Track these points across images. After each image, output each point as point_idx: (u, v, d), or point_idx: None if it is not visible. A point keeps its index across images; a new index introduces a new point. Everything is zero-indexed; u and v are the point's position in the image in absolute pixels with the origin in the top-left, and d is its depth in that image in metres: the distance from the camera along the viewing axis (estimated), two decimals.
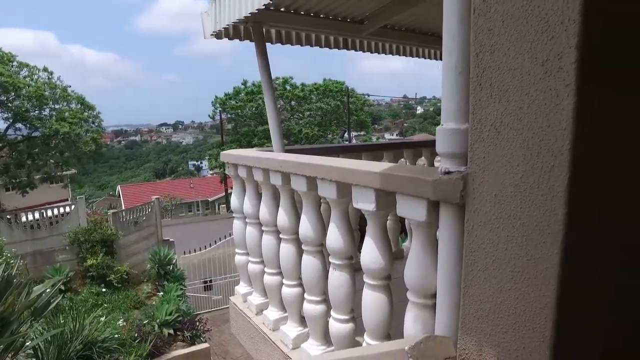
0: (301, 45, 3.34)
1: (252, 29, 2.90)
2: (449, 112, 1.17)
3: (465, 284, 1.18)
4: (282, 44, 3.20)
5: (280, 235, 2.20)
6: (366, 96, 31.10)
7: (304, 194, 1.93)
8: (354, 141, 26.93)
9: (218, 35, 2.92)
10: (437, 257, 1.27)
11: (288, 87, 25.52)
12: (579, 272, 1.00)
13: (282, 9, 2.96)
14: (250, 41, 2.98)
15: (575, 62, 0.89)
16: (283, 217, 2.14)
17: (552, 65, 0.93)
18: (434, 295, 1.32)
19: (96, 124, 15.27)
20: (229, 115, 26.39)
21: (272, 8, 2.84)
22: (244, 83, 25.36)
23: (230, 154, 2.69)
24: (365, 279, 1.62)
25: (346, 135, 28.44)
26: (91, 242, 9.08)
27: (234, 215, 2.76)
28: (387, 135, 51.07)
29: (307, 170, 1.82)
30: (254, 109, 24.83)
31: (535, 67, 0.96)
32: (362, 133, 30.69)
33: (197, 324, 7.11)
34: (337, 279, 1.79)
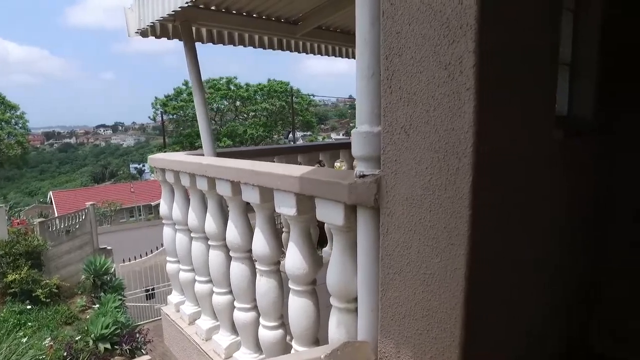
0: (234, 45, 3.25)
1: (181, 27, 2.77)
2: (363, 115, 1.16)
3: (382, 288, 1.18)
4: (214, 43, 3.10)
5: (209, 242, 2.12)
6: (311, 96, 31.25)
7: (230, 199, 1.86)
8: (300, 141, 26.94)
9: (143, 33, 2.77)
10: (357, 261, 1.26)
11: (232, 87, 25.08)
12: (485, 272, 1.02)
13: (212, 7, 2.86)
14: (180, 40, 2.85)
15: (474, 66, 0.90)
16: (211, 223, 2.06)
17: (454, 68, 0.94)
18: (356, 299, 1.31)
19: (20, 125, 14.11)
20: (170, 116, 25.51)
21: (201, 6, 2.74)
22: (186, 83, 24.59)
23: (158, 158, 2.55)
24: (291, 285, 1.58)
25: (291, 135, 28.42)
26: (13, 255, 8.32)
27: (163, 222, 2.63)
28: (334, 135, 51.60)
29: (231, 175, 1.76)
30: None
31: (440, 71, 0.96)
32: (308, 133, 30.80)
33: (138, 335, 6.75)
34: (264, 285, 1.74)
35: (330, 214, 1.28)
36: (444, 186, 0.98)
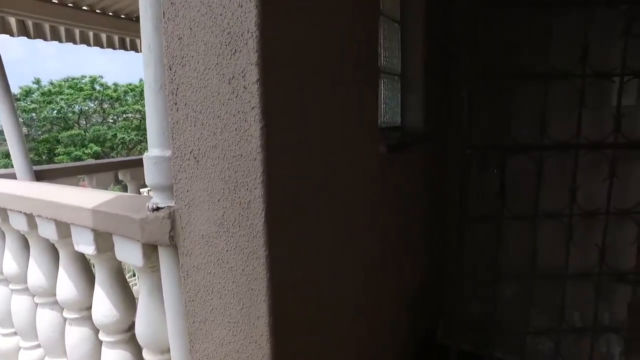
0: (60, 42, 2.77)
1: None
2: (153, 137, 0.96)
3: (190, 339, 1.00)
4: (30, 37, 2.59)
5: (10, 286, 1.71)
6: None
7: (28, 234, 1.51)
8: None
9: None
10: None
11: (98, 87, 22.61)
12: (293, 318, 0.91)
13: None
14: None
15: (257, 82, 0.77)
16: (10, 263, 1.66)
17: (237, 84, 0.79)
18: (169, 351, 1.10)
19: None
20: (21, 119, 21.93)
21: None
22: (37, 82, 21.47)
23: None
24: (102, 337, 1.31)
25: None
26: None
27: None
28: None
29: (25, 206, 1.41)
30: (55, 111, 21.27)
31: (224, 86, 0.81)
32: None
33: None
34: (75, 336, 1.44)
35: (129, 254, 1.06)
36: (237, 222, 0.84)
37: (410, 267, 1.95)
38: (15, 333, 1.80)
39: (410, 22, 1.78)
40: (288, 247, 0.87)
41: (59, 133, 21.98)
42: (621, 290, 2.11)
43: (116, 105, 23.26)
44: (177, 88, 0.88)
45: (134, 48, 3.21)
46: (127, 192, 2.89)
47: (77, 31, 2.84)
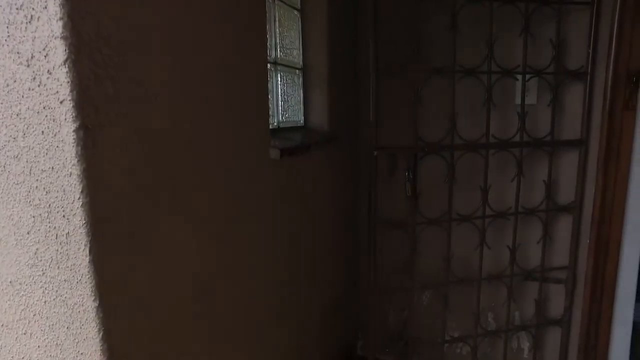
0: None
1: None
2: None
3: None
4: None
5: None
6: None
7: None
8: None
9: None
10: None
11: None
12: None
13: None
14: None
15: (66, 63, 0.53)
16: None
17: (39, 66, 0.55)
18: None
19: None
20: None
21: None
22: None
23: None
24: None
25: None
26: None
27: None
28: None
29: None
30: None
31: (21, 70, 0.56)
32: None
33: None
34: None
35: None
36: (56, 262, 0.59)
37: (323, 279, 1.80)
38: None
39: (311, 9, 1.62)
40: (131, 291, 0.65)
41: None
42: (529, 289, 2.14)
43: None
44: None
45: None
46: None
47: None
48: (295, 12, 1.61)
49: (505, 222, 1.95)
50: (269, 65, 1.43)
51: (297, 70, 1.69)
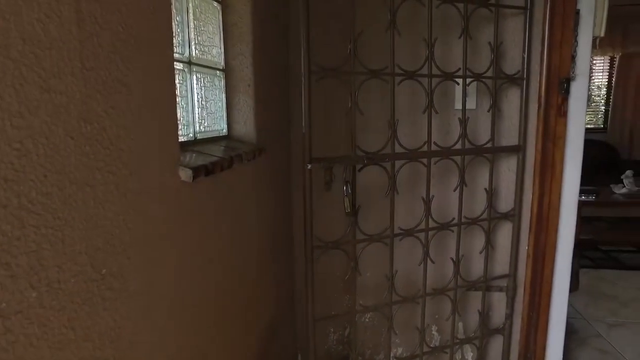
0: None
1: None
2: None
3: None
4: None
5: None
6: None
7: None
8: None
9: None
10: None
11: None
12: None
13: None
14: None
15: None
16: None
17: None
18: None
19: None
20: None
21: None
22: None
23: None
24: None
25: None
26: None
27: None
28: None
29: None
30: None
31: None
32: None
33: None
34: None
35: None
36: None
37: (258, 302, 1.59)
38: None
39: (234, 0, 1.41)
40: None
41: None
42: (473, 299, 2.08)
43: None
44: None
45: None
46: None
47: None
48: (215, 4, 1.39)
49: (449, 233, 1.86)
50: (181, 64, 1.19)
51: (217, 72, 1.46)
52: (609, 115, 6.91)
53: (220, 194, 1.23)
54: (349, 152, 1.51)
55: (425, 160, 1.64)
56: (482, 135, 1.88)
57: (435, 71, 1.63)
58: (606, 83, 6.94)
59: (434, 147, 1.66)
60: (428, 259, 1.75)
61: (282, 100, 1.88)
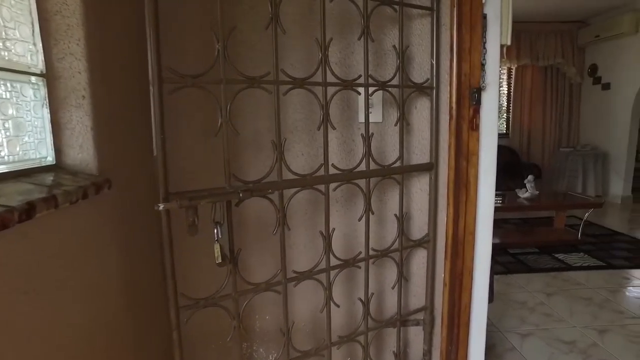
0: None
1: None
2: None
3: None
4: None
5: None
6: None
7: None
8: None
9: None
10: None
11: None
12: None
13: None
14: None
15: None
16: None
17: None
18: None
19: None
20: None
21: None
22: None
23: None
24: None
25: None
26: None
27: None
28: None
29: None
30: None
31: None
32: None
33: None
34: None
35: None
36: None
37: None
38: None
39: None
40: None
41: None
42: (388, 338, 1.83)
43: None
44: None
45: None
46: None
47: None
48: None
49: (356, 270, 1.59)
50: None
51: (32, 78, 1.03)
52: (510, 122, 7.33)
53: (28, 256, 0.81)
54: (222, 183, 1.16)
55: (322, 187, 1.34)
56: (391, 152, 1.64)
57: (331, 78, 1.34)
58: (506, 92, 7.36)
59: (333, 170, 1.36)
60: (332, 303, 1.46)
61: (144, 116, 1.48)
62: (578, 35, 6.97)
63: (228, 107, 1.13)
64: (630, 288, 3.53)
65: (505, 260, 4.12)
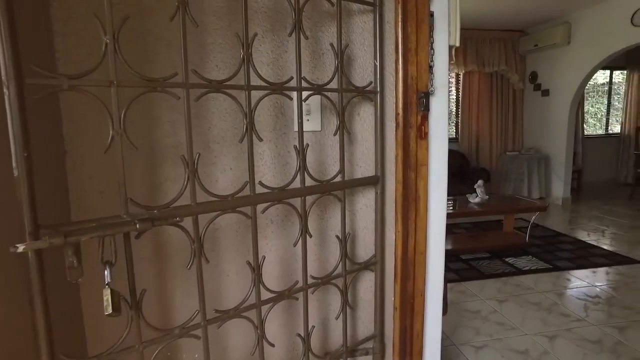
0: None
1: None
2: None
3: None
4: None
5: None
6: None
7: None
8: None
9: None
10: None
11: None
12: None
13: None
14: None
15: None
16: None
17: None
18: None
19: None
20: None
21: None
22: None
23: None
24: None
25: None
26: None
27: None
28: None
29: None
30: None
31: None
32: None
33: None
34: None
35: None
36: None
37: None
38: None
39: None
40: None
41: None
42: None
43: None
44: None
45: None
46: None
47: None
48: None
49: (294, 301, 1.39)
50: None
51: None
52: (459, 127, 7.44)
53: None
54: (115, 211, 0.92)
55: (248, 210, 1.12)
56: (332, 165, 1.46)
57: (258, 81, 1.14)
58: (455, 98, 7.46)
59: (262, 189, 1.15)
60: (266, 342, 1.24)
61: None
62: (519, 43, 7.21)
63: (122, 116, 0.89)
64: (574, 290, 3.59)
65: (457, 267, 4.08)
